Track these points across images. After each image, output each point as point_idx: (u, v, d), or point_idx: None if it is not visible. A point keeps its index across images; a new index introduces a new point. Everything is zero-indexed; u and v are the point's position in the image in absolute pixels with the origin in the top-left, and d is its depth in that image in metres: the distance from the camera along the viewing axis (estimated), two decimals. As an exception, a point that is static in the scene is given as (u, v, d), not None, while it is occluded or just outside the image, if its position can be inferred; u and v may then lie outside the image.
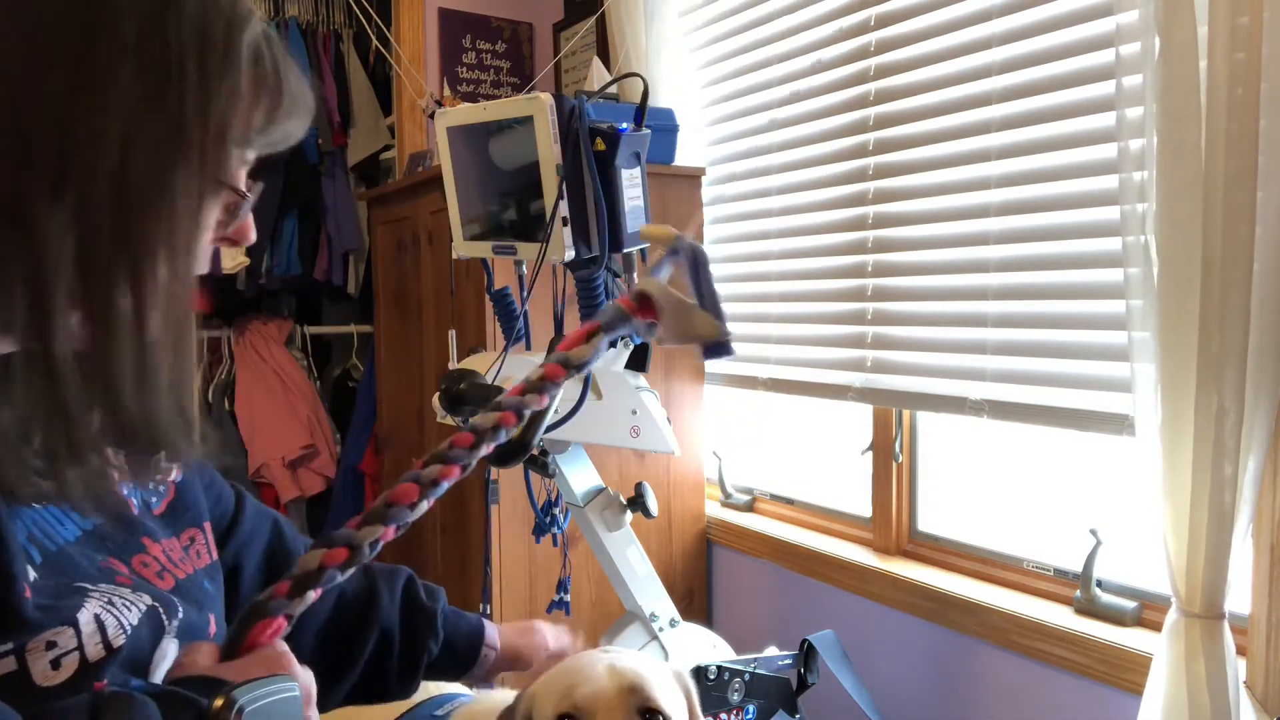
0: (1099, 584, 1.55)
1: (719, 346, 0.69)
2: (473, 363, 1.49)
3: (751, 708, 1.46)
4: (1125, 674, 1.42)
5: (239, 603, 0.88)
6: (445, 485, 0.67)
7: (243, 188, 0.67)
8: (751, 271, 2.18)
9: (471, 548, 2.25)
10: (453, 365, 1.54)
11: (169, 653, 0.67)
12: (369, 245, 3.32)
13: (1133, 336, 1.28)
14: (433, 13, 3.01)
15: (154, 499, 0.75)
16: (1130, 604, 1.51)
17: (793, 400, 2.12)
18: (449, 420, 1.40)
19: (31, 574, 0.60)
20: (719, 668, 1.43)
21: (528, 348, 1.53)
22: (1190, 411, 1.19)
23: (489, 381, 1.35)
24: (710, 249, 2.31)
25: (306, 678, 0.65)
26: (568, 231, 1.29)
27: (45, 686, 0.58)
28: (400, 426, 2.76)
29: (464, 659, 0.97)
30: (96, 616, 0.61)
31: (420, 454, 2.67)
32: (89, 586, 0.63)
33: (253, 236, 0.70)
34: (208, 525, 0.81)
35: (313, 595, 0.66)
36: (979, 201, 1.64)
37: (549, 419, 1.20)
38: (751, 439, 2.39)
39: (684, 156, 2.26)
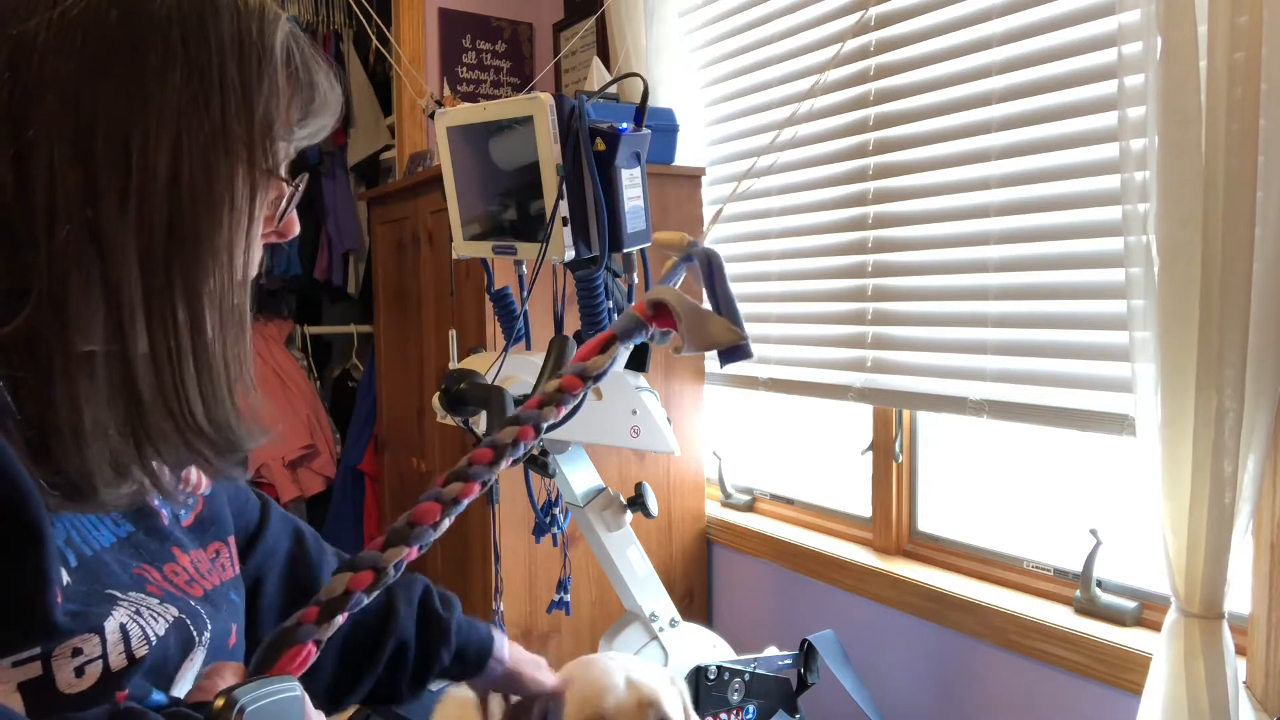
0: (1099, 584, 1.55)
1: (737, 350, 0.69)
2: (473, 363, 1.49)
3: (751, 708, 1.46)
4: (1125, 674, 1.42)
5: (260, 614, 0.88)
6: (466, 503, 0.68)
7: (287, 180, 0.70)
8: (751, 271, 2.18)
9: (471, 548, 2.25)
10: (453, 365, 1.54)
11: (198, 662, 0.68)
12: (369, 245, 3.32)
13: (1134, 336, 1.28)
14: (433, 13, 3.01)
15: (183, 511, 0.75)
16: (1130, 604, 1.51)
17: (793, 400, 2.12)
18: (449, 420, 1.40)
19: (65, 578, 0.60)
20: (719, 668, 1.43)
21: (528, 348, 1.54)
22: (1190, 411, 1.19)
23: (489, 381, 1.35)
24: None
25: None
26: (568, 231, 1.29)
27: (68, 694, 0.58)
28: (400, 426, 2.76)
29: (472, 668, 0.98)
30: (122, 625, 0.61)
31: (420, 454, 2.68)
32: (119, 594, 0.63)
33: (297, 228, 0.73)
34: (232, 540, 0.81)
35: (340, 620, 0.66)
36: (979, 201, 1.64)
37: (549, 419, 1.20)
38: (751, 439, 2.39)
39: (684, 156, 2.26)
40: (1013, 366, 1.59)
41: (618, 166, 1.27)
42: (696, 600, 2.34)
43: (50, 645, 0.58)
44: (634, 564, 1.52)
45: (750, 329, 2.14)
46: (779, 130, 2.04)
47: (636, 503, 1.50)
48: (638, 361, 1.46)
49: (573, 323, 1.44)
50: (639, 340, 0.71)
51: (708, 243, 2.32)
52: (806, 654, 1.53)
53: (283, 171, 0.69)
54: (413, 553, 0.68)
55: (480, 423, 1.38)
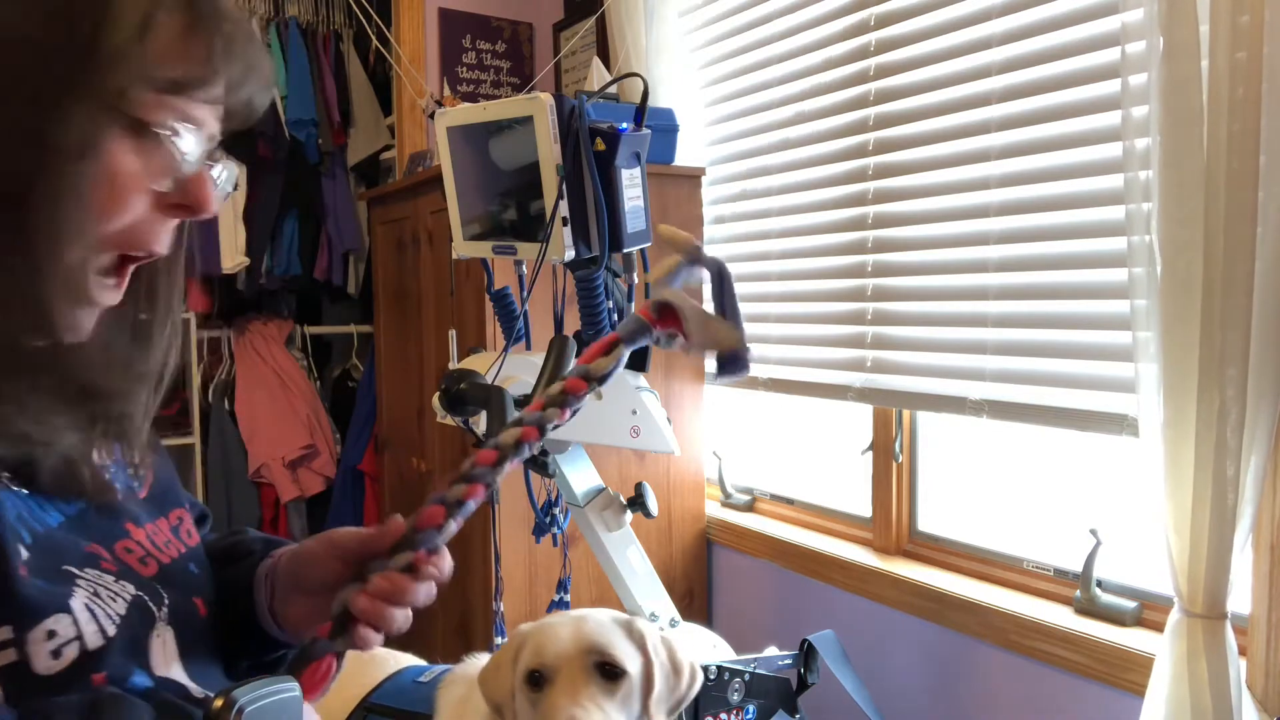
0: (1099, 584, 1.55)
1: (735, 361, 0.69)
2: (473, 363, 1.49)
3: (751, 708, 1.46)
4: (1125, 674, 1.42)
5: None
6: (472, 505, 0.68)
7: (174, 131, 0.62)
8: (751, 271, 2.18)
9: (472, 548, 2.25)
10: (453, 365, 1.54)
11: (167, 639, 0.67)
12: (369, 245, 3.32)
13: (1136, 336, 1.27)
14: (433, 13, 3.01)
15: (136, 483, 0.74)
16: (1130, 604, 1.51)
17: (793, 400, 2.12)
18: (449, 420, 1.40)
19: (24, 553, 0.60)
20: (719, 668, 1.43)
21: (528, 348, 1.54)
22: (1192, 411, 1.19)
23: (489, 381, 1.35)
24: (710, 249, 2.31)
25: None
26: (568, 231, 1.29)
27: (46, 675, 0.58)
28: (400, 426, 2.76)
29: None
30: (87, 605, 0.61)
31: (420, 454, 2.68)
32: (76, 572, 0.63)
33: (211, 205, 0.65)
34: (187, 510, 0.80)
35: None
36: (979, 201, 1.63)
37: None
38: (751, 439, 2.39)
39: (684, 156, 2.26)
40: (1013, 366, 1.59)
41: (618, 166, 1.27)
42: (696, 600, 2.33)
43: (24, 626, 0.58)
44: (634, 564, 1.52)
45: (750, 329, 2.14)
46: (779, 130, 2.04)
47: (636, 503, 1.50)
48: (638, 362, 1.46)
49: (573, 323, 1.44)
50: (644, 343, 0.71)
51: (708, 241, 2.33)
52: (806, 654, 1.53)
53: (194, 137, 0.63)
54: (421, 556, 0.67)
55: (480, 423, 1.38)
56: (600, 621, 1.15)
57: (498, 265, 1.52)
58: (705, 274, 0.75)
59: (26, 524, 0.62)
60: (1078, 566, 1.58)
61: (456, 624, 2.35)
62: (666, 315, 0.69)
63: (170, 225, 0.65)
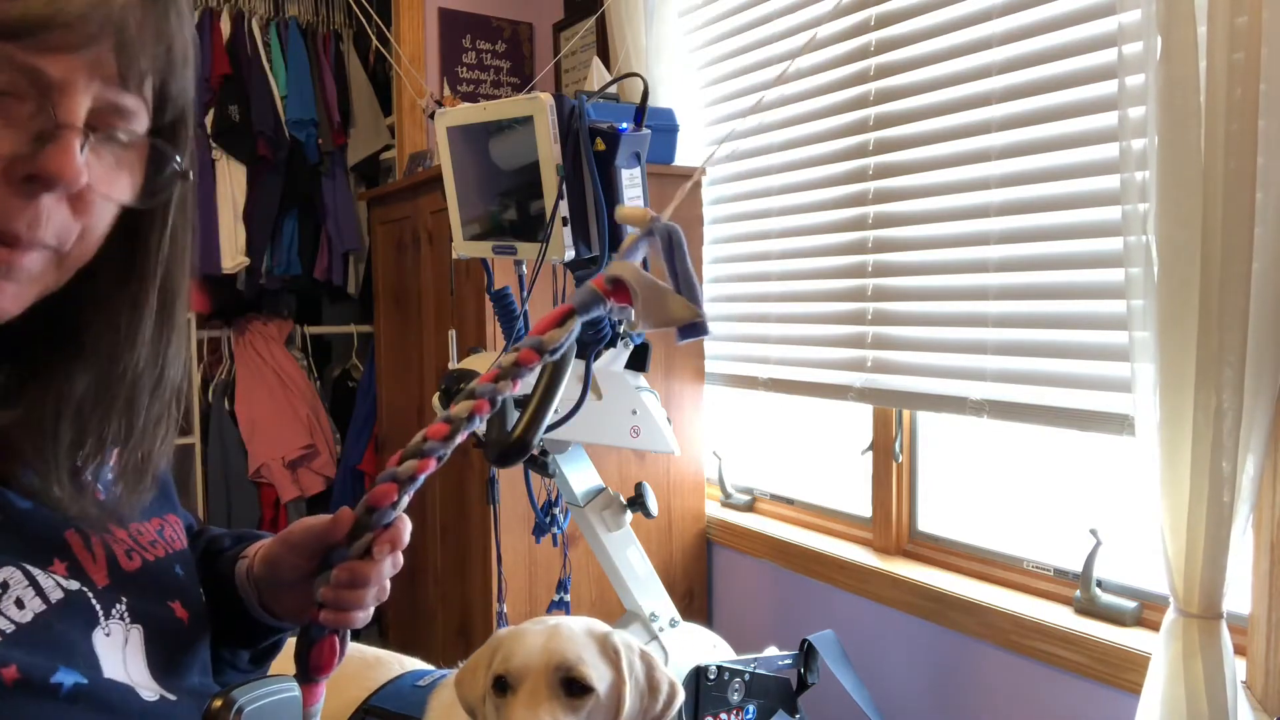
0: (1099, 584, 1.55)
1: (694, 327, 0.68)
2: (473, 363, 1.49)
3: (751, 708, 1.46)
4: (1125, 674, 1.42)
5: None
6: (422, 478, 0.68)
7: None
8: (751, 271, 2.18)
9: (472, 548, 2.25)
10: (453, 365, 1.54)
11: (132, 639, 0.65)
12: (369, 245, 3.32)
13: (1133, 336, 1.28)
14: (433, 13, 3.01)
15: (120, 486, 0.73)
16: (1130, 604, 1.51)
17: (793, 400, 2.12)
18: (449, 420, 1.40)
19: None
20: (719, 668, 1.43)
21: (528, 348, 1.53)
22: (1189, 411, 1.19)
23: (489, 381, 1.35)
24: (710, 249, 2.31)
25: None
26: (568, 231, 1.29)
27: None
28: (400, 426, 2.76)
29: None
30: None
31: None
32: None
33: (68, 176, 0.54)
34: (178, 516, 0.80)
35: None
36: (979, 201, 1.64)
37: (549, 419, 1.20)
38: (751, 439, 2.39)
39: (684, 156, 2.26)
40: (1013, 366, 1.59)
41: (618, 166, 1.27)
42: (696, 600, 2.33)
43: None
44: (634, 564, 1.52)
45: (750, 329, 2.16)
46: (779, 130, 2.04)
47: (636, 503, 1.50)
48: (638, 361, 1.46)
49: (572, 323, 1.44)
50: (597, 314, 0.70)
51: (708, 241, 2.33)
52: (806, 654, 1.53)
53: (33, 100, 0.54)
54: (378, 535, 0.68)
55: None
56: (574, 634, 1.13)
57: (498, 265, 1.52)
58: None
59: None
60: (1078, 566, 1.58)
61: (457, 626, 2.35)
62: (619, 289, 0.68)
63: (38, 205, 0.55)
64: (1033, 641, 1.56)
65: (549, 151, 1.27)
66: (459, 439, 0.67)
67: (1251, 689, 1.27)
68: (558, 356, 0.69)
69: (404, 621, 2.70)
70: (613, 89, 2.20)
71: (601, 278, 0.68)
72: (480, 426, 0.69)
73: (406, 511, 0.70)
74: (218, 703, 0.57)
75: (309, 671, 0.66)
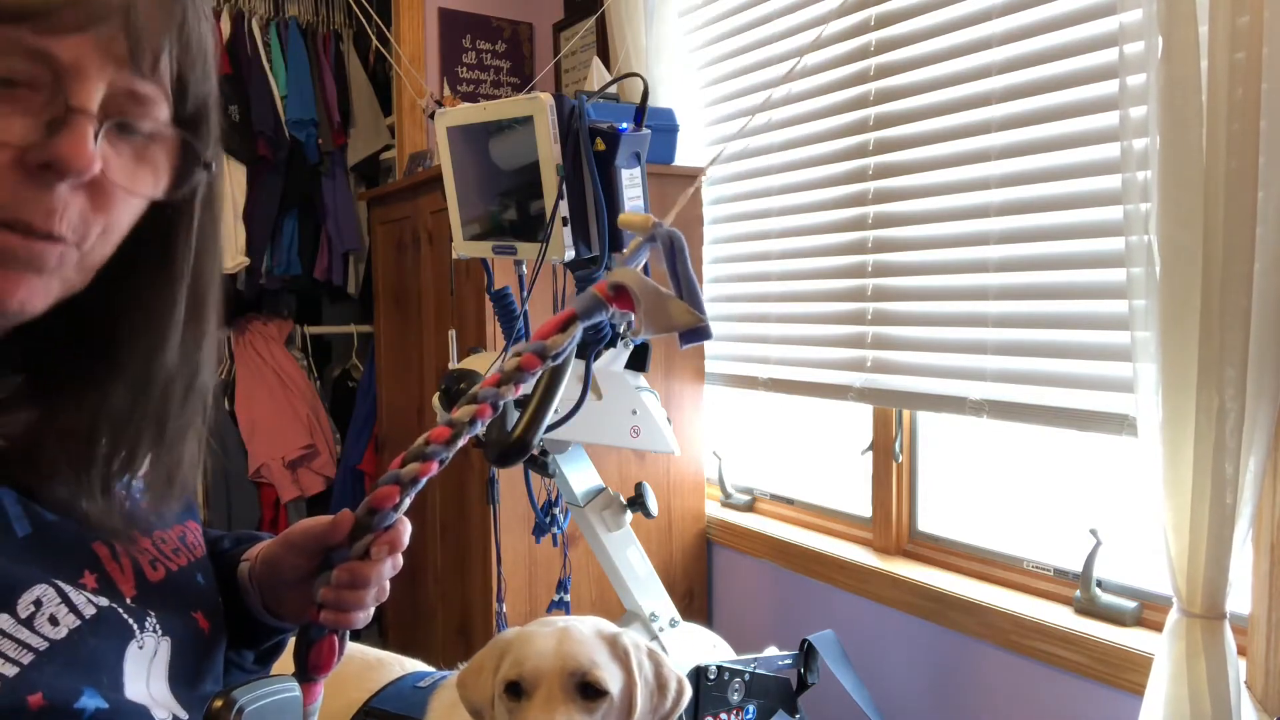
0: (1099, 584, 1.55)
1: (696, 332, 0.68)
2: (473, 363, 1.49)
3: (751, 708, 1.46)
4: (1125, 674, 1.42)
5: None
6: (424, 481, 0.68)
7: None
8: (751, 271, 2.18)
9: (472, 548, 2.25)
10: (453, 365, 1.54)
11: (161, 653, 0.64)
12: (369, 245, 3.32)
13: (1135, 336, 1.28)
14: (433, 13, 3.01)
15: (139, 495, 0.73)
16: (1130, 604, 1.51)
17: (793, 400, 2.12)
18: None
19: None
20: (719, 668, 1.43)
21: (528, 348, 1.53)
22: (1191, 411, 1.19)
23: (489, 381, 1.35)
24: (710, 249, 2.31)
25: None
26: (568, 231, 1.29)
27: None
28: (400, 426, 2.76)
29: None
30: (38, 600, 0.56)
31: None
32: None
33: (81, 163, 0.53)
34: (197, 523, 0.79)
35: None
36: (979, 201, 1.63)
37: (549, 419, 1.20)
38: (751, 439, 2.39)
39: (684, 156, 2.26)
40: (1013, 366, 1.59)
41: (618, 166, 1.27)
42: (696, 600, 2.33)
43: None
44: (634, 564, 1.52)
45: (750, 329, 2.16)
46: (779, 130, 2.04)
47: (636, 503, 1.50)
48: (638, 361, 1.46)
49: (573, 323, 1.44)
50: (599, 319, 0.70)
51: (708, 241, 2.33)
52: (806, 654, 1.53)
53: (46, 87, 0.53)
54: (378, 536, 0.68)
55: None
56: (584, 637, 1.13)
57: (498, 265, 1.52)
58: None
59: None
60: (1078, 566, 1.58)
61: (457, 625, 2.35)
62: (622, 295, 0.68)
63: (53, 195, 0.53)
64: (1033, 641, 1.56)
65: (549, 151, 1.27)
66: (461, 442, 0.67)
67: (1252, 689, 1.26)
68: (560, 361, 0.69)
69: (404, 621, 2.70)
70: (613, 89, 2.20)
71: (604, 283, 0.68)
72: (481, 428, 0.69)
73: (406, 512, 0.70)
74: (218, 703, 0.57)
75: (308, 671, 0.67)
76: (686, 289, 0.69)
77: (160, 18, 0.56)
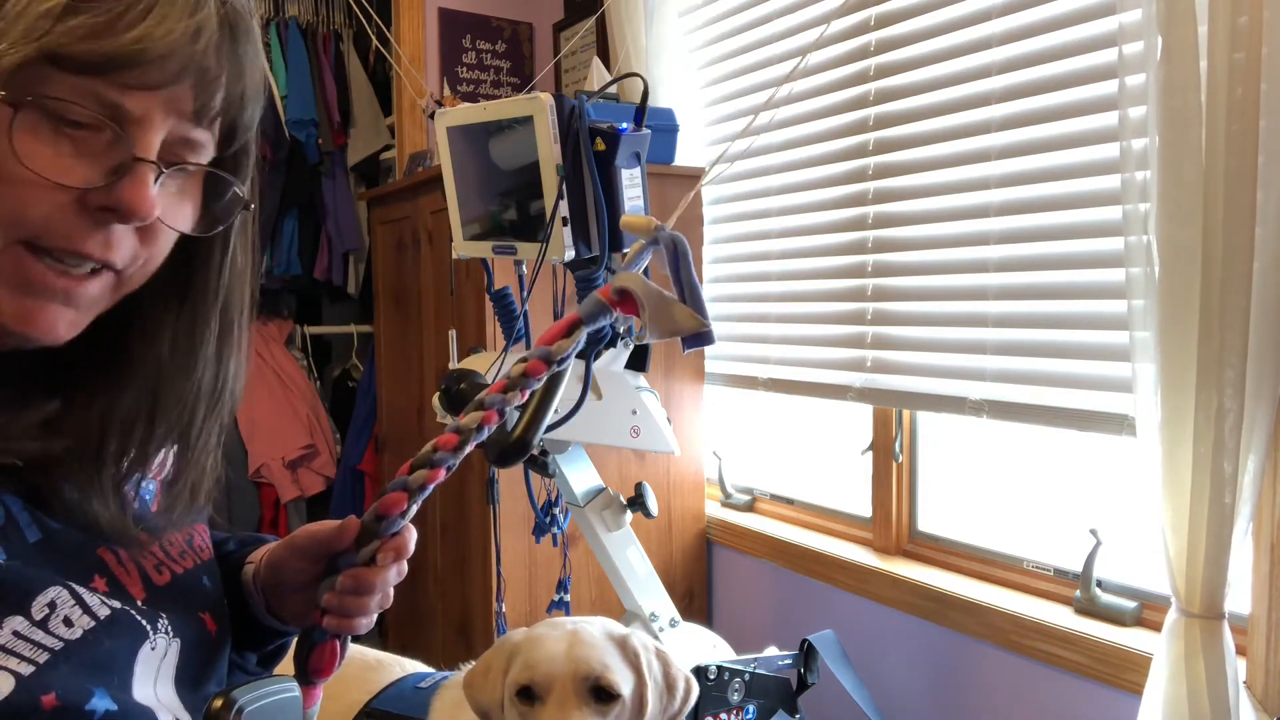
0: (1099, 584, 1.55)
1: (699, 336, 0.69)
2: (473, 363, 1.49)
3: (751, 708, 1.46)
4: (1125, 674, 1.42)
5: None
6: (431, 488, 0.68)
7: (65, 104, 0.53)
8: (751, 271, 2.18)
9: (472, 548, 2.25)
10: (453, 365, 1.54)
11: (170, 656, 0.65)
12: (369, 245, 3.32)
13: (1134, 336, 1.28)
14: (433, 13, 3.01)
15: (148, 496, 0.74)
16: (1130, 604, 1.51)
17: (793, 400, 2.12)
18: (449, 420, 1.40)
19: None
20: (719, 668, 1.43)
21: (528, 347, 1.53)
22: (1190, 411, 1.19)
23: (489, 381, 1.35)
24: (710, 249, 2.31)
25: None
26: (568, 231, 1.29)
27: None
28: (400, 426, 2.76)
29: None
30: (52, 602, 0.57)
31: (420, 454, 2.68)
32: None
33: (139, 209, 0.55)
34: (204, 524, 0.80)
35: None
36: (979, 201, 1.63)
37: (549, 419, 1.20)
38: (751, 439, 2.39)
39: (684, 156, 2.26)
40: (1013, 366, 1.59)
41: (618, 166, 1.27)
42: (696, 600, 2.33)
43: None
44: (634, 564, 1.52)
45: (750, 329, 2.16)
46: (779, 130, 2.04)
47: (636, 503, 1.50)
48: (638, 361, 1.46)
49: (572, 323, 1.44)
50: (603, 324, 0.71)
51: (708, 241, 2.33)
52: (806, 654, 1.53)
53: (115, 135, 0.55)
54: (385, 543, 0.69)
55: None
56: (595, 640, 1.13)
57: (498, 265, 1.52)
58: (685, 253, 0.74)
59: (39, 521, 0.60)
60: (1078, 566, 1.58)
61: (457, 625, 2.35)
62: (626, 299, 0.69)
63: (108, 231, 0.56)
64: (1033, 641, 1.56)
65: (549, 151, 1.27)
66: (468, 449, 0.68)
67: (1252, 689, 1.27)
68: (564, 366, 0.70)
69: (404, 621, 2.70)
70: (613, 89, 2.20)
71: (608, 288, 0.69)
72: (487, 434, 0.70)
73: None
74: (218, 703, 0.57)
75: (308, 674, 0.67)
76: (689, 293, 0.69)
77: (228, 78, 0.59)
